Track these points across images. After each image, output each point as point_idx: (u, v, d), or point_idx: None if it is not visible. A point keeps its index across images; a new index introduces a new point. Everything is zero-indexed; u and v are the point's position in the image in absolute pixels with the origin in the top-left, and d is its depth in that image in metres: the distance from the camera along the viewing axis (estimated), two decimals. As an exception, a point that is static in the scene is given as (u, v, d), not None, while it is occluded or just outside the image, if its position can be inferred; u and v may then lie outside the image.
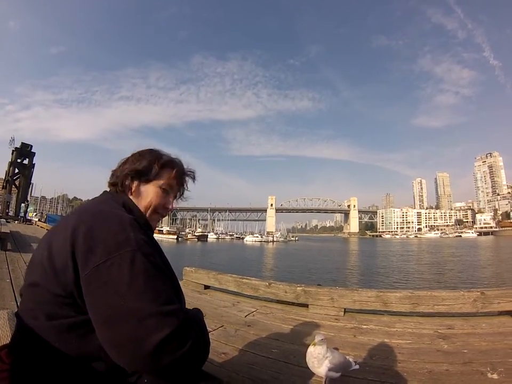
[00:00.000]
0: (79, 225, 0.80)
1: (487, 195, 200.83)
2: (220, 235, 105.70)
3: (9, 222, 19.09)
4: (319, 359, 1.36)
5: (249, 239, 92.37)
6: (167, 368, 0.73)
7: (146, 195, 1.02)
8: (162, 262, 0.86)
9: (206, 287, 4.15)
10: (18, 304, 0.89)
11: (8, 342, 1.09)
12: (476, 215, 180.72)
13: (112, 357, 0.73)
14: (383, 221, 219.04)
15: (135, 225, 0.84)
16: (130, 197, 1.01)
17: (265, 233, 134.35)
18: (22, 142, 30.34)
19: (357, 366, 1.53)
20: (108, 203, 0.94)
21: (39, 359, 0.80)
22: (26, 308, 0.84)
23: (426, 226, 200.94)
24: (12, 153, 29.35)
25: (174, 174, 1.06)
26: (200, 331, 0.86)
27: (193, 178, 1.16)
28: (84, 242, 0.77)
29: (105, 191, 1.04)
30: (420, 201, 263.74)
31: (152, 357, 0.69)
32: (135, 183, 1.02)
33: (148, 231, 0.94)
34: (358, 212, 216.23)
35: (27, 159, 30.28)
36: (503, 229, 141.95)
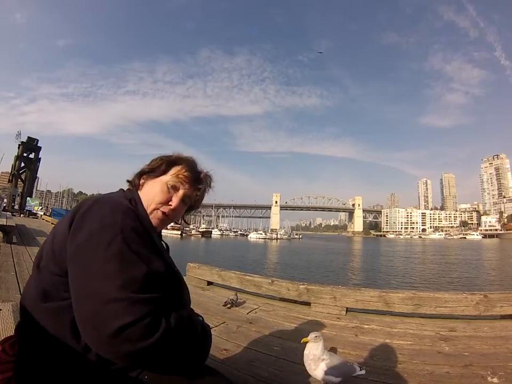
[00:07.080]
0: (79, 208, 0.86)
1: (492, 197, 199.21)
2: (224, 231, 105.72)
3: (14, 216, 19.24)
4: (314, 360, 1.31)
5: (253, 236, 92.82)
6: (130, 357, 0.71)
7: (150, 190, 1.02)
8: (150, 252, 0.84)
9: (209, 283, 4.16)
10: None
11: (12, 334, 1.11)
12: (481, 217, 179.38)
13: (81, 334, 0.74)
14: (387, 220, 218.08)
15: (128, 213, 0.85)
16: (139, 193, 1.04)
17: (269, 230, 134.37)
18: (28, 136, 30.54)
19: (363, 371, 1.44)
20: (114, 195, 0.98)
21: (41, 346, 0.81)
22: (29, 291, 0.88)
23: (430, 227, 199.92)
24: (18, 147, 29.55)
25: (181, 171, 1.04)
26: (189, 333, 0.85)
27: (209, 184, 1.13)
28: (76, 222, 0.82)
29: (121, 188, 1.08)
30: (425, 202, 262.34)
31: (111, 342, 0.68)
32: (142, 180, 1.06)
33: (148, 227, 0.91)
34: (363, 211, 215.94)
35: (33, 153, 30.49)
36: (508, 231, 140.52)
